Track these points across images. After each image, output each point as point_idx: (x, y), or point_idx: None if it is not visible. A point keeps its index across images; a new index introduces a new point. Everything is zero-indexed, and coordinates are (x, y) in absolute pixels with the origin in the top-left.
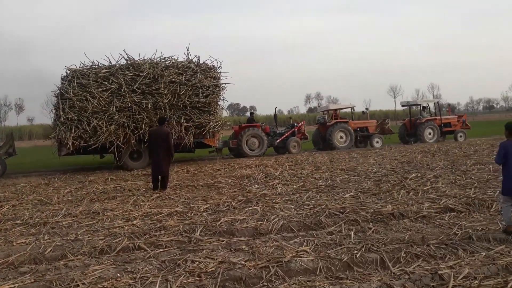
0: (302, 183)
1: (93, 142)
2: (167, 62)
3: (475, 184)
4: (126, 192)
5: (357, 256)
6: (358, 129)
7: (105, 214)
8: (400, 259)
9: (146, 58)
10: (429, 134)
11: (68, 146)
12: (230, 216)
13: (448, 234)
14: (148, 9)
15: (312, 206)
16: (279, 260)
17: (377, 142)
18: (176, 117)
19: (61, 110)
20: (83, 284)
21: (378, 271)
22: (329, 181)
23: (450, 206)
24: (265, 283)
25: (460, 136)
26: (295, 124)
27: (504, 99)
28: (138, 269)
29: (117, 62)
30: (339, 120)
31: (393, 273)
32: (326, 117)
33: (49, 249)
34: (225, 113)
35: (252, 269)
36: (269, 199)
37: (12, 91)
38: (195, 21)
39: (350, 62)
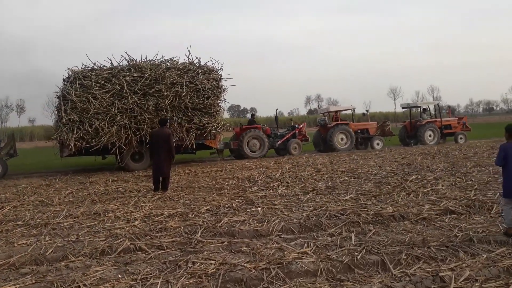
0: (302, 185)
1: (95, 143)
2: (168, 64)
3: (476, 186)
4: (127, 193)
5: (358, 258)
6: (359, 131)
7: (106, 215)
8: (401, 261)
9: (147, 59)
10: (430, 136)
11: (70, 147)
12: (230, 217)
13: (449, 236)
14: (148, 9)
15: (312, 207)
16: (279, 262)
17: (378, 144)
18: (177, 118)
19: (63, 111)
20: (84, 285)
21: (379, 273)
22: (330, 183)
23: (451, 208)
24: (266, 285)
25: (461, 138)
26: (296, 125)
27: (504, 101)
28: (139, 270)
29: (118, 63)
30: (339, 122)
31: (394, 275)
32: (326, 119)
33: (50, 250)
34: (225, 115)
35: (253, 271)
36: (270, 201)
37: (13, 92)
38: (194, 21)
39: (350, 63)
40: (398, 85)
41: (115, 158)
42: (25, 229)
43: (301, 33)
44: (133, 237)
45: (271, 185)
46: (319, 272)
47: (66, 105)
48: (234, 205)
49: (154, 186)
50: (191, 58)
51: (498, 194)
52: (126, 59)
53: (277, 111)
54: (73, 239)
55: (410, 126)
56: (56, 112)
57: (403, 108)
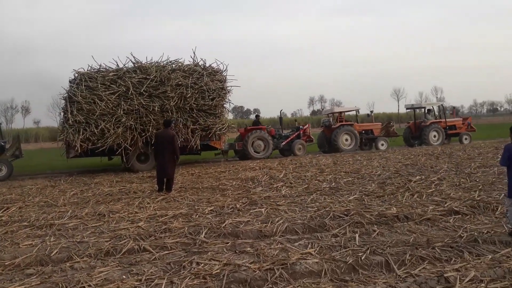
0: (306, 186)
1: (101, 144)
2: (173, 65)
3: (480, 187)
4: (131, 194)
5: (362, 258)
6: (363, 131)
7: (111, 216)
8: (405, 261)
9: (153, 61)
10: (434, 136)
11: (76, 148)
12: (234, 218)
13: (454, 236)
14: (152, 11)
15: (316, 208)
16: (284, 263)
17: (382, 144)
18: (182, 119)
19: (69, 113)
20: (89, 286)
21: (383, 273)
22: (333, 184)
23: (455, 208)
24: (270, 286)
25: (466, 139)
26: (300, 126)
27: (508, 101)
28: (144, 271)
29: (124, 65)
30: (344, 122)
31: (399, 275)
32: (331, 119)
33: (55, 251)
34: (229, 116)
35: (257, 271)
36: (273, 201)
37: (18, 94)
38: (195, 21)
39: (353, 64)
40: (401, 86)
41: (121, 159)
42: (30, 230)
43: (305, 35)
44: (137, 237)
45: (275, 185)
46: (323, 272)
47: (72, 106)
48: (238, 206)
49: (158, 187)
50: (196, 60)
51: (503, 194)
52: (131, 61)
53: (281, 112)
54: (78, 240)
55: (415, 127)
56: (62, 114)
57: (407, 109)
